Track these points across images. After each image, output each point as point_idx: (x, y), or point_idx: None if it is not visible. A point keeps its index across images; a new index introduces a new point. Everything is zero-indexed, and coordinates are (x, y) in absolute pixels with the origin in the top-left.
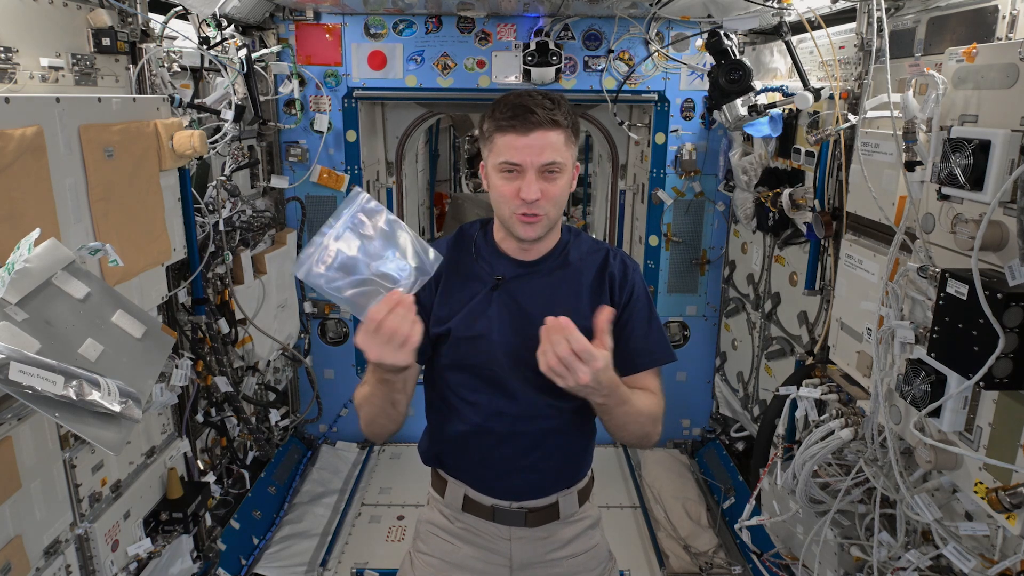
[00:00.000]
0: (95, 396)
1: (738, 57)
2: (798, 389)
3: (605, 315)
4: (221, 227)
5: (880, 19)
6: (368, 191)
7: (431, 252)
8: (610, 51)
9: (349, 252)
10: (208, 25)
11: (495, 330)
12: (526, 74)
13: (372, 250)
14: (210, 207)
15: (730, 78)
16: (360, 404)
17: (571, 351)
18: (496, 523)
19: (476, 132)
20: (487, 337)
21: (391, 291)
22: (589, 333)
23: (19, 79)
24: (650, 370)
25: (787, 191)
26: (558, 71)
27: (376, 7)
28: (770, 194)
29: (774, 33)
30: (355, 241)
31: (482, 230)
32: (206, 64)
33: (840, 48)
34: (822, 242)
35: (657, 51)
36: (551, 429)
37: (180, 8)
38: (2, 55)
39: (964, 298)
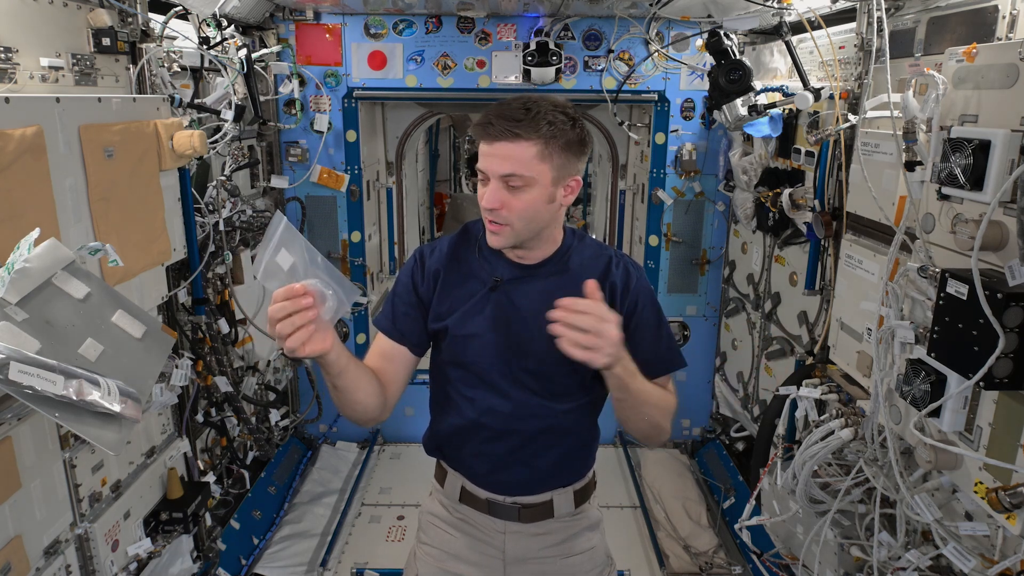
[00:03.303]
0: (95, 396)
1: (738, 57)
2: (798, 389)
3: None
4: (221, 227)
5: (880, 19)
6: (368, 191)
7: (347, 284)
8: (610, 51)
9: (286, 264)
10: (208, 25)
11: (489, 331)
12: (526, 74)
13: (301, 267)
14: (210, 207)
15: (730, 78)
16: None
17: (594, 316)
18: (491, 516)
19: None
20: (480, 337)
21: (298, 286)
22: None
23: (19, 79)
24: (664, 378)
25: (787, 191)
26: (558, 71)
27: (376, 7)
28: (770, 194)
29: (774, 33)
30: (289, 258)
31: (485, 228)
32: (206, 64)
33: (840, 48)
34: (822, 242)
35: (657, 51)
36: (546, 428)
37: (180, 8)
38: (2, 55)
39: (964, 298)
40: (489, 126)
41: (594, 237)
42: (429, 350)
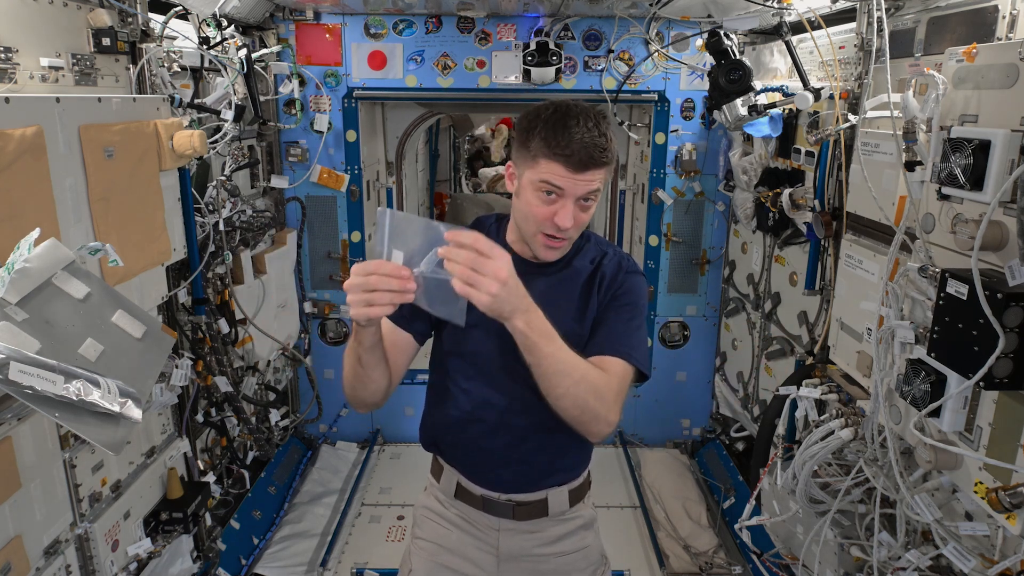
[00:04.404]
0: (95, 396)
1: (738, 57)
2: (798, 389)
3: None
4: (221, 227)
5: (880, 19)
6: (368, 191)
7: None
8: (610, 51)
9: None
10: (208, 25)
11: (490, 321)
12: (526, 74)
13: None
14: (210, 207)
15: (730, 78)
16: (344, 360)
17: (473, 251)
18: (486, 513)
19: (476, 132)
20: (480, 327)
21: (401, 268)
22: (576, 334)
23: (19, 79)
24: (614, 359)
25: (787, 191)
26: (558, 71)
27: (376, 7)
28: (770, 194)
29: (774, 33)
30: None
31: (497, 224)
32: (206, 64)
33: (840, 48)
34: (822, 242)
35: (657, 51)
36: (541, 424)
37: (180, 8)
38: (2, 55)
39: (964, 298)
40: (586, 157)
41: (600, 236)
42: (430, 340)
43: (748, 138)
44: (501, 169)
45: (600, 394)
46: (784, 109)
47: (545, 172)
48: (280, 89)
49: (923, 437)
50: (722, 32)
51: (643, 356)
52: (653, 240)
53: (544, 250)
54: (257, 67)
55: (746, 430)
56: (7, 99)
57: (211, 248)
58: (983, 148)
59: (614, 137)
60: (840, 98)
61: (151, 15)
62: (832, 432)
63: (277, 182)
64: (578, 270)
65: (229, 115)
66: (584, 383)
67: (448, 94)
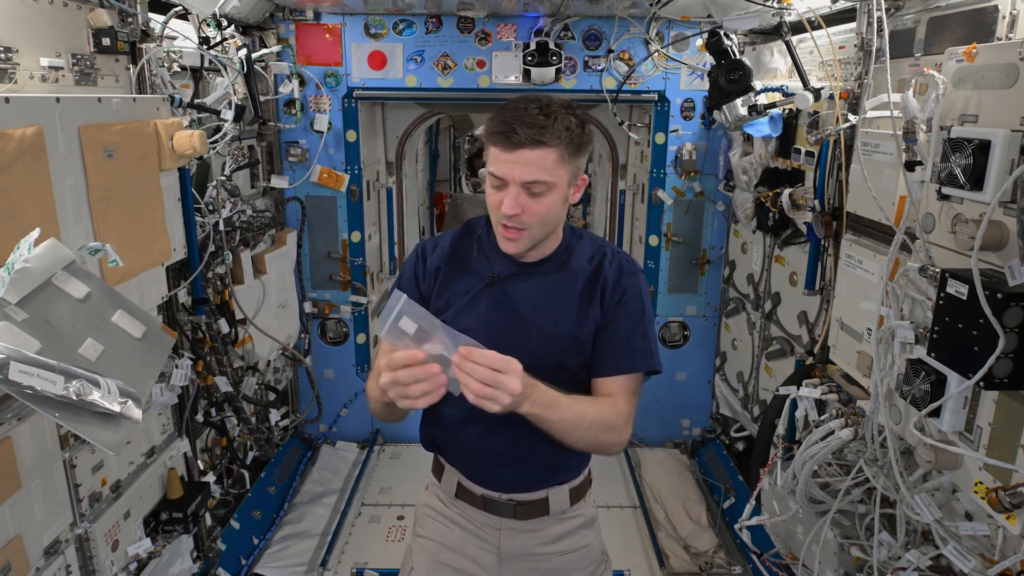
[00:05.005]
0: (95, 396)
1: (738, 57)
2: (798, 389)
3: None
4: (221, 227)
5: (880, 19)
6: (368, 191)
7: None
8: (610, 51)
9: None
10: (208, 25)
11: (482, 325)
12: (526, 74)
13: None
14: (210, 207)
15: (730, 78)
16: (369, 394)
17: (489, 369)
18: (486, 512)
19: (476, 132)
20: (474, 331)
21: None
22: (574, 337)
23: (19, 79)
24: (623, 376)
25: (787, 191)
26: (558, 71)
27: (376, 7)
28: (770, 194)
29: (774, 33)
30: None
31: (487, 226)
32: (206, 64)
33: (840, 48)
34: (822, 242)
35: (657, 51)
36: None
37: (180, 8)
38: (2, 55)
39: (964, 298)
40: (513, 134)
41: (594, 233)
42: None
43: (748, 138)
44: None
45: (611, 427)
46: (784, 109)
47: (491, 159)
48: (280, 89)
49: (923, 437)
50: (722, 32)
51: (647, 357)
52: (653, 240)
53: (503, 241)
54: (257, 67)
55: (746, 430)
56: (7, 99)
57: (211, 248)
58: (983, 148)
59: (571, 125)
60: (840, 98)
61: (151, 15)
62: (832, 432)
63: (277, 182)
64: (575, 271)
65: (229, 115)
66: (595, 426)
67: (448, 94)
